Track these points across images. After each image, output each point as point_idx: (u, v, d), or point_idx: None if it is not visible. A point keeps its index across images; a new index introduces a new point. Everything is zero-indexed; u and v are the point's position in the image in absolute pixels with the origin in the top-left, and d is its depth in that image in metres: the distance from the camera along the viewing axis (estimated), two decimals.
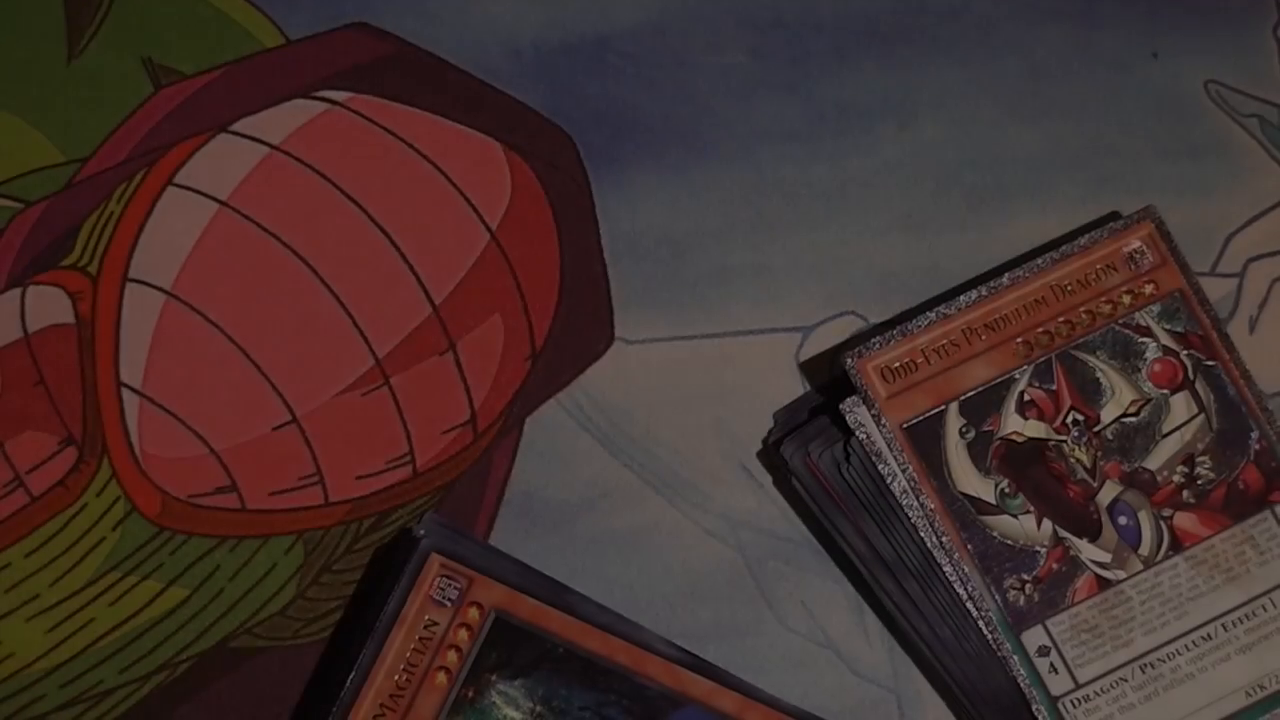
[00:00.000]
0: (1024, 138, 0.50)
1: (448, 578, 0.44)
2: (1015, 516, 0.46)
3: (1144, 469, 0.46)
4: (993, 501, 0.46)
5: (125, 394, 0.47)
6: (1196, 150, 0.51)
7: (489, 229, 0.49)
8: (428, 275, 0.48)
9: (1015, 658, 0.44)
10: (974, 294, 0.47)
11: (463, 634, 0.44)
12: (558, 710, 0.43)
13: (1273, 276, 0.50)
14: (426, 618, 0.44)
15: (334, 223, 0.48)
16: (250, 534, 0.46)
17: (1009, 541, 0.46)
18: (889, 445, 0.45)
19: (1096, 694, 0.45)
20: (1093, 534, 0.46)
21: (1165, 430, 0.46)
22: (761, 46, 0.50)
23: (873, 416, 0.46)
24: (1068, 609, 0.45)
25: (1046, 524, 0.46)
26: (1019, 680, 0.44)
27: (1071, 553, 0.46)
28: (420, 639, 0.44)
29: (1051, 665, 0.45)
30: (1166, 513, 0.46)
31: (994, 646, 0.45)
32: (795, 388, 0.48)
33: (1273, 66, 0.51)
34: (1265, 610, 0.46)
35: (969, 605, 0.45)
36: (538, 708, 0.43)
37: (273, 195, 0.48)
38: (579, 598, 0.45)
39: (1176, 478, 0.46)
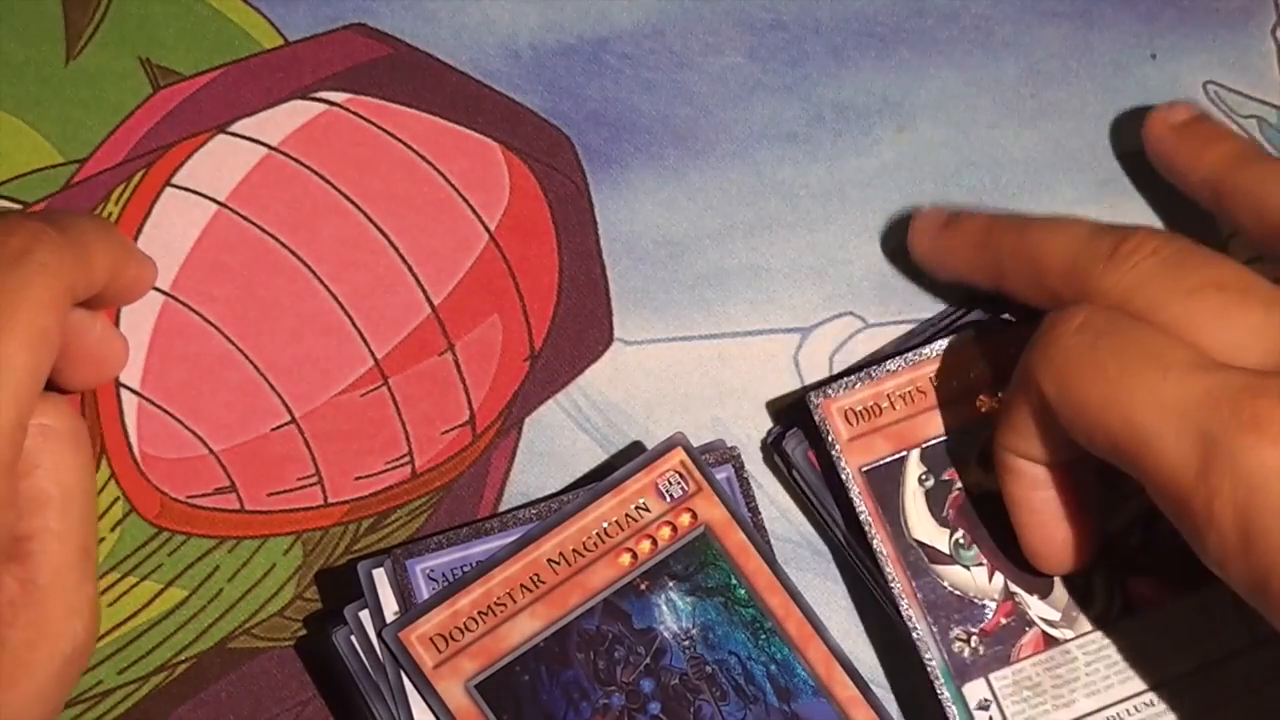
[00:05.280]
0: (1024, 138, 0.50)
1: (680, 476, 0.44)
2: (968, 568, 0.45)
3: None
4: (946, 551, 0.45)
5: (124, 395, 0.47)
6: None
7: (488, 230, 0.49)
8: (426, 275, 0.48)
9: (955, 708, 0.44)
10: (942, 343, 0.46)
11: (665, 531, 0.44)
12: (709, 643, 0.43)
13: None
14: (642, 500, 0.44)
15: (333, 223, 0.48)
16: (249, 534, 0.47)
17: (958, 593, 0.45)
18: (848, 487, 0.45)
19: None
20: (1044, 591, 0.45)
21: (1125, 492, 0.45)
22: (760, 48, 0.50)
23: (835, 458, 0.45)
24: (1012, 664, 0.45)
25: (998, 577, 0.45)
26: None
27: (1021, 608, 0.45)
28: (627, 515, 0.44)
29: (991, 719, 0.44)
30: (1121, 575, 0.45)
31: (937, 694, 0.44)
32: (794, 389, 0.48)
33: (1272, 67, 0.51)
34: (1212, 679, 0.45)
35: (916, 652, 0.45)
36: (693, 630, 0.44)
37: (271, 196, 0.48)
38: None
39: (1134, 540, 0.46)
